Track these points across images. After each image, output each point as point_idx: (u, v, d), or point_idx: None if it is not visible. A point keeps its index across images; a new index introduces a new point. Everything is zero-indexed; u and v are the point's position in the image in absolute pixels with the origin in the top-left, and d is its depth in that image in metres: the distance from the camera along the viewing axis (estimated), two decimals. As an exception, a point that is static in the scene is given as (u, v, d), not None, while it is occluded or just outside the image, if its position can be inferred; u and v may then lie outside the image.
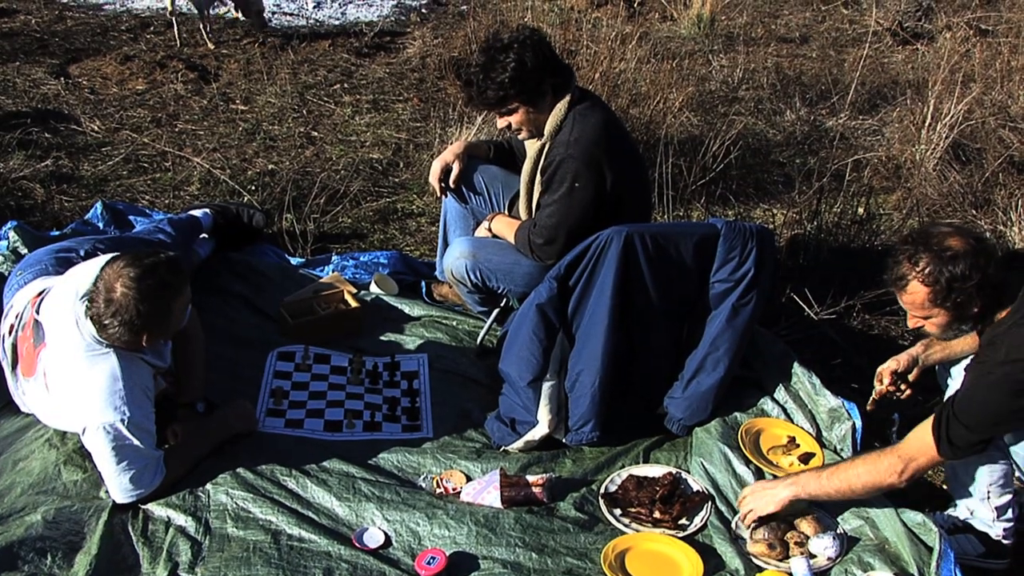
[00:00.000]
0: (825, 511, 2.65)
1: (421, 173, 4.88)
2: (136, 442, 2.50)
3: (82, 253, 2.98)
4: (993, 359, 2.35)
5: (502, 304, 3.41)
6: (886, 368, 2.82)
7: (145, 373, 2.62)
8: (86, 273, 2.59)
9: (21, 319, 2.73)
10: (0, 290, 3.01)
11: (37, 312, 2.66)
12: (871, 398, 2.85)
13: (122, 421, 2.47)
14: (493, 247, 3.32)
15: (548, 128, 3.16)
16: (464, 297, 3.50)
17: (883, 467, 2.44)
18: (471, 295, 3.41)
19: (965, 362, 2.74)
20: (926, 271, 2.37)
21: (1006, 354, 2.32)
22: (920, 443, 2.41)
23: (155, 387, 2.68)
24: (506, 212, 3.51)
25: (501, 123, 3.20)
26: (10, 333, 2.76)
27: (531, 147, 3.31)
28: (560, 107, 3.14)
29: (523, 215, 3.35)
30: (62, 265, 2.90)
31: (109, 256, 2.59)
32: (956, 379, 2.72)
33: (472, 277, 3.27)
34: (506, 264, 3.26)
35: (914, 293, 2.42)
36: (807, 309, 3.64)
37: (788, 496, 2.54)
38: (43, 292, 2.72)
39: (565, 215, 3.09)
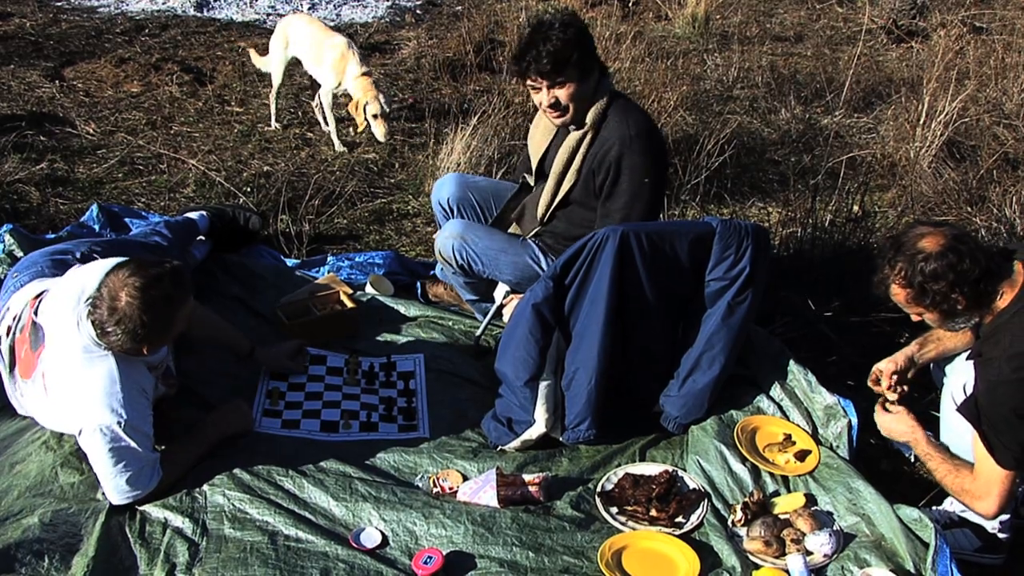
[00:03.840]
0: (821, 508, 2.67)
1: (416, 174, 4.89)
2: (133, 444, 2.50)
3: (78, 255, 2.98)
4: (997, 354, 2.37)
5: (496, 304, 3.42)
6: (886, 369, 2.82)
7: (144, 375, 2.62)
8: (89, 276, 2.60)
9: (19, 321, 2.73)
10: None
11: (35, 314, 2.66)
12: (882, 400, 2.83)
13: (119, 423, 2.47)
14: (483, 232, 3.36)
15: (590, 117, 3.14)
16: (451, 280, 3.53)
17: (978, 506, 2.51)
18: (456, 277, 3.44)
19: (959, 359, 2.75)
20: (901, 274, 2.46)
21: (1009, 343, 2.35)
22: (989, 473, 2.44)
23: (154, 391, 2.69)
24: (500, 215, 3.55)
25: (548, 98, 3.10)
26: (7, 335, 2.76)
27: (540, 140, 3.32)
28: (601, 102, 3.14)
29: (541, 207, 3.34)
30: (58, 267, 2.91)
31: (114, 261, 2.59)
32: (951, 376, 2.73)
33: (458, 258, 3.31)
34: (492, 251, 3.30)
35: (896, 295, 2.52)
36: (803, 307, 3.65)
37: (910, 441, 2.69)
38: (41, 294, 2.72)
39: (633, 212, 3.11)
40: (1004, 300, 2.44)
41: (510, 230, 3.50)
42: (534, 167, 3.40)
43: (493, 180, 3.73)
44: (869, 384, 2.87)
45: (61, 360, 2.56)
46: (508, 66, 5.60)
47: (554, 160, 3.26)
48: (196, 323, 2.93)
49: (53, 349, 2.58)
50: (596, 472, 2.86)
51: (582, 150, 3.18)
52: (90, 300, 2.51)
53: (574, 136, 3.19)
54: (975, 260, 2.39)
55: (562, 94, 3.09)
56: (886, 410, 2.78)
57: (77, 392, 2.52)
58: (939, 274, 2.39)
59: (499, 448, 2.94)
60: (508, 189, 3.58)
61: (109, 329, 2.46)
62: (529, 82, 3.12)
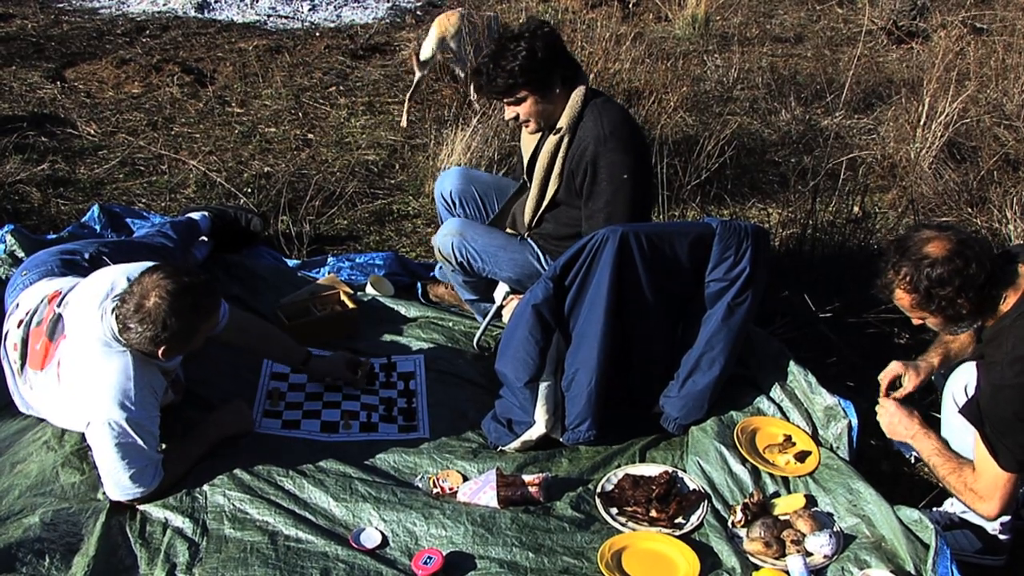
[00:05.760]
0: (821, 509, 2.67)
1: (417, 175, 4.89)
2: (139, 441, 2.51)
3: (87, 256, 3.02)
4: (1000, 357, 2.37)
5: (496, 305, 3.42)
6: (908, 384, 2.80)
7: (156, 377, 2.64)
8: (121, 274, 2.64)
9: (34, 315, 2.76)
10: (0, 292, 3.03)
11: (58, 306, 2.69)
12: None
13: (127, 419, 2.49)
14: (482, 230, 3.38)
15: (565, 120, 3.15)
16: (451, 279, 3.54)
17: (979, 507, 2.50)
18: (456, 275, 3.45)
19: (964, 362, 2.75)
20: (907, 279, 2.44)
21: (1012, 347, 2.35)
22: (992, 475, 2.43)
23: (164, 397, 2.70)
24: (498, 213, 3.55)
25: (509, 113, 3.19)
26: (18, 327, 2.78)
27: (529, 141, 3.32)
28: (575, 99, 3.14)
29: (528, 212, 3.35)
30: (67, 267, 2.95)
31: (149, 264, 2.64)
32: (952, 378, 2.72)
33: (457, 255, 3.32)
34: (492, 248, 3.32)
35: (900, 299, 2.51)
36: (802, 307, 3.65)
37: (911, 439, 2.66)
38: (61, 290, 2.75)
39: (616, 209, 3.10)
40: (1007, 304, 2.44)
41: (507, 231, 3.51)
42: (526, 166, 3.41)
43: (497, 176, 3.74)
44: (880, 378, 2.86)
45: (79, 350, 2.58)
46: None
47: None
48: (244, 330, 2.98)
49: (72, 339, 2.61)
50: (596, 473, 2.86)
51: (561, 153, 3.20)
52: (119, 295, 2.55)
53: (552, 140, 3.20)
54: (981, 265, 2.38)
55: (521, 110, 3.16)
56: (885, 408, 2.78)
57: (90, 383, 2.54)
58: (946, 279, 2.38)
59: (499, 449, 2.94)
60: (511, 185, 3.59)
61: (131, 326, 2.49)
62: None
